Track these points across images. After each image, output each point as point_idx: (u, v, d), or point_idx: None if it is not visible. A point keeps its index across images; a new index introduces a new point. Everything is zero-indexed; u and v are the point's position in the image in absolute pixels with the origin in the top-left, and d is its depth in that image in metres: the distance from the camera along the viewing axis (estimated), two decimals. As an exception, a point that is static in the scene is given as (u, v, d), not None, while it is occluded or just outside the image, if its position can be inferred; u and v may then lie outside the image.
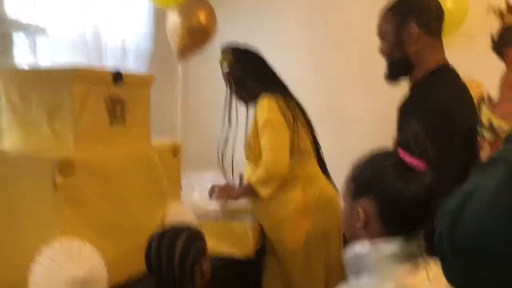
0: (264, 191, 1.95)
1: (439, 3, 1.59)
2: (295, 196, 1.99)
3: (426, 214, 1.02)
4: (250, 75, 2.03)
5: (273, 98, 1.95)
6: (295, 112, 1.99)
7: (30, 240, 1.37)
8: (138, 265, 1.69)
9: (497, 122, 2.32)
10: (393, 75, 1.66)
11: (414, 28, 1.51)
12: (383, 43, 1.63)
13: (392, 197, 1.00)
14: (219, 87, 2.94)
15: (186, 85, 2.76)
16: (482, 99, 2.36)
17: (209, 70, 2.97)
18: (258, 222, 2.07)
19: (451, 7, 2.30)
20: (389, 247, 0.99)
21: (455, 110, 1.47)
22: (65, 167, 1.36)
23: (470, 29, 2.35)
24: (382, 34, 1.63)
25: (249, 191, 2.00)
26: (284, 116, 1.92)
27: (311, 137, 2.05)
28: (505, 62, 2.31)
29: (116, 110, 1.61)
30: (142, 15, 2.61)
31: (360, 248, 1.02)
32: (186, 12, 2.43)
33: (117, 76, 1.60)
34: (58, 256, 1.31)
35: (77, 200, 1.41)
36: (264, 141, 1.92)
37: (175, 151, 1.88)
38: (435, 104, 1.47)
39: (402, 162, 1.00)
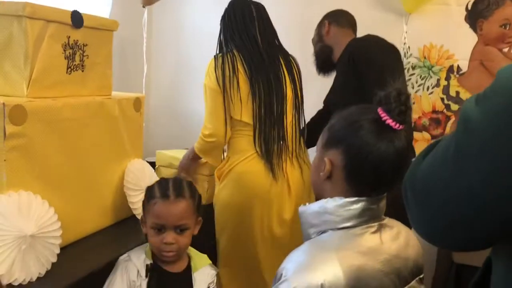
0: (206, 159, 1.94)
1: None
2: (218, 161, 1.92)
3: (391, 176, 0.98)
4: (227, 32, 1.82)
5: (219, 58, 1.76)
6: (236, 76, 1.74)
7: (-25, 191, 1.26)
8: (96, 221, 1.63)
9: (464, 94, 2.34)
10: (320, 61, 2.08)
11: (325, 23, 2.05)
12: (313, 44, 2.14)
13: (358, 150, 0.97)
14: (184, 38, 2.82)
15: (150, 34, 2.60)
16: (451, 70, 2.36)
17: (174, 18, 2.83)
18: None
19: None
20: (355, 206, 0.97)
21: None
22: (16, 114, 1.24)
23: (446, -3, 2.31)
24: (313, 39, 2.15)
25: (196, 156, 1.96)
26: (218, 80, 1.74)
27: (257, 108, 1.76)
28: (476, 33, 2.30)
29: (74, 56, 1.49)
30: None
31: (325, 203, 0.99)
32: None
33: (77, 18, 1.46)
34: (6, 209, 1.21)
35: (28, 150, 1.30)
36: (204, 105, 1.81)
37: (138, 105, 1.78)
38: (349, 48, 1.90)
39: (378, 119, 0.96)
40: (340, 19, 2.04)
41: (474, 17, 2.29)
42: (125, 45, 2.48)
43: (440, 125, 2.38)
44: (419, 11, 2.33)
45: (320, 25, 2.07)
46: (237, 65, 1.74)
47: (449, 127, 2.36)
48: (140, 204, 1.70)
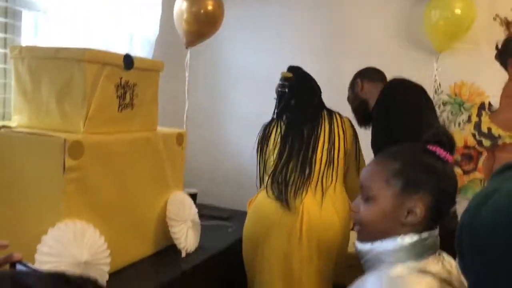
0: None
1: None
2: None
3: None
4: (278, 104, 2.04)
5: (263, 127, 2.01)
6: (266, 137, 1.99)
7: (36, 220, 1.37)
8: (138, 250, 1.71)
9: (496, 130, 2.36)
10: (359, 116, 2.15)
11: (358, 81, 2.15)
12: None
13: (447, 191, 1.06)
14: (222, 78, 2.96)
15: (192, 73, 2.74)
16: (482, 106, 2.39)
17: (214, 58, 2.98)
18: None
19: (458, 14, 2.32)
20: (428, 242, 1.04)
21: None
22: (75, 149, 1.36)
23: (476, 37, 2.37)
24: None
25: None
26: (257, 142, 2.00)
27: (282, 147, 1.93)
28: (507, 71, 2.35)
29: (125, 95, 1.61)
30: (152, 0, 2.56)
31: (402, 240, 1.03)
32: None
33: (129, 61, 1.59)
34: (63, 237, 1.32)
35: (84, 183, 1.41)
36: None
37: (180, 140, 1.89)
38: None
39: (438, 156, 1.06)
40: (370, 75, 2.16)
41: (504, 56, 2.34)
42: (166, 83, 2.61)
43: (472, 160, 2.40)
44: (449, 50, 2.40)
45: (353, 84, 2.19)
46: (273, 129, 1.97)
47: (481, 163, 2.38)
48: (180, 234, 1.80)
